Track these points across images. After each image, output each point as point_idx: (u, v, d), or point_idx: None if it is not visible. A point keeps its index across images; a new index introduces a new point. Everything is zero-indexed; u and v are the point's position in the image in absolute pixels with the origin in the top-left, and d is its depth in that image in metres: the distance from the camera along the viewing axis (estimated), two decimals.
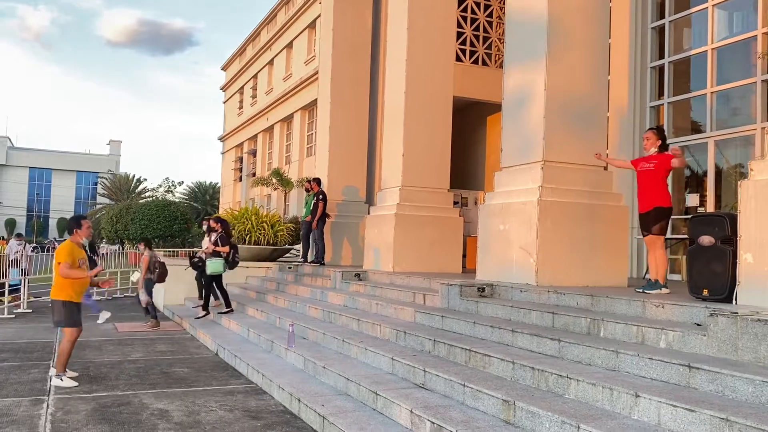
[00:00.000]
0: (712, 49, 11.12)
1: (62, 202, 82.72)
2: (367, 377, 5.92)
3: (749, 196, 5.25)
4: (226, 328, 10.49)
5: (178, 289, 14.24)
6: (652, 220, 6.69)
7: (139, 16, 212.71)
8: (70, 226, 7.21)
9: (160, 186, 57.26)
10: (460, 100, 15.62)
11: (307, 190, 13.67)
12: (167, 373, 7.64)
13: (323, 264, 13.06)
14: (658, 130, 6.93)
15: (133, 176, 66.11)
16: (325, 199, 13.19)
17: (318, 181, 13.63)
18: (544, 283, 7.43)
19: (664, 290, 6.48)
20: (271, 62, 31.63)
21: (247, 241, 14.96)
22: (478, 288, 7.50)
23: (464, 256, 11.86)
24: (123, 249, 22.43)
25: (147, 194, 60.61)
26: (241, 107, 37.21)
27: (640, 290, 6.53)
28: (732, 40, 10.90)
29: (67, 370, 7.03)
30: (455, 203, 12.80)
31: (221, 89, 42.42)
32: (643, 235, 6.85)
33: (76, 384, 6.82)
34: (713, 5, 11.11)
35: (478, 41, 16.33)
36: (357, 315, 8.27)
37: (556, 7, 7.87)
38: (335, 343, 7.49)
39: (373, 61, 15.39)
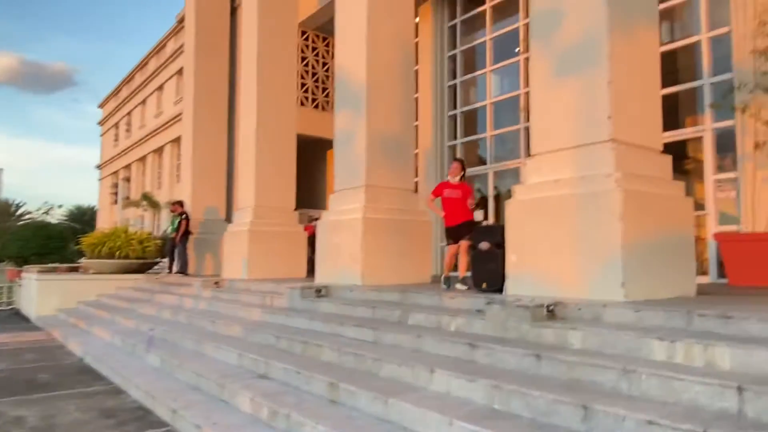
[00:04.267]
0: (491, 103, 11.90)
1: None
2: (217, 371, 5.45)
3: (511, 212, 5.52)
4: (96, 336, 9.31)
5: (50, 300, 12.49)
6: (465, 230, 6.78)
7: (23, 58, 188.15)
8: None
9: (39, 209, 50.49)
10: (306, 137, 15.40)
11: (173, 211, 12.71)
12: (31, 380, 6.54)
13: (187, 274, 12.15)
14: (463, 163, 7.08)
15: (14, 201, 57.86)
16: (187, 219, 12.34)
17: (181, 203, 12.75)
18: (368, 284, 7.38)
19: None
20: (143, 102, 29.32)
21: (117, 256, 13.55)
22: (316, 290, 7.27)
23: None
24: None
25: (26, 217, 53.27)
26: (116, 139, 34.02)
27: (462, 287, 6.44)
28: (504, 97, 11.71)
29: None
30: (313, 219, 12.48)
31: (99, 124, 38.55)
32: (452, 242, 6.89)
33: None
34: (490, 70, 11.91)
35: (318, 90, 16.29)
36: (214, 317, 7.69)
37: (372, 68, 7.93)
38: (192, 343, 6.88)
39: (232, 98, 14.76)
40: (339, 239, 7.84)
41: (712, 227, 8.02)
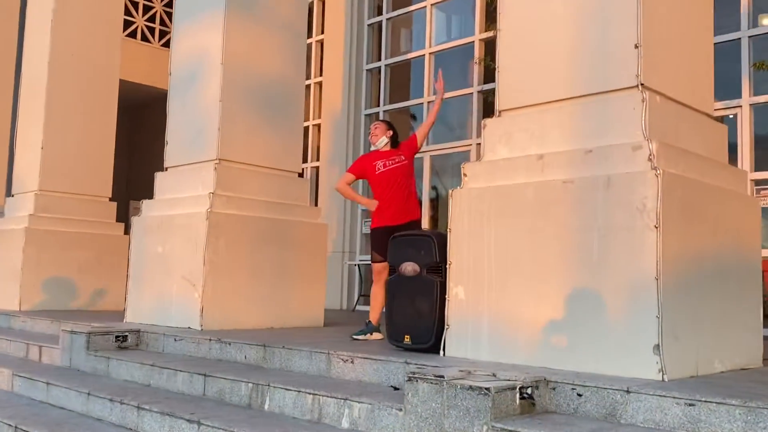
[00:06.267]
0: (431, 53, 11.16)
1: None
2: None
3: (462, 211, 4.48)
4: None
5: None
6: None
7: None
8: None
9: None
10: (148, 90, 14.26)
11: None
12: None
13: None
14: (390, 124, 5.97)
15: None
16: None
17: None
18: (213, 327, 6.18)
19: (377, 334, 5.52)
20: None
21: None
22: (117, 336, 5.92)
23: None
24: None
25: None
26: None
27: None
28: (451, 45, 11.10)
29: None
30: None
31: None
32: (381, 259, 5.45)
33: None
34: (433, 4, 11.30)
35: (170, 19, 14.79)
36: None
37: None
38: None
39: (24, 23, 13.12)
40: (165, 248, 6.69)
41: None
